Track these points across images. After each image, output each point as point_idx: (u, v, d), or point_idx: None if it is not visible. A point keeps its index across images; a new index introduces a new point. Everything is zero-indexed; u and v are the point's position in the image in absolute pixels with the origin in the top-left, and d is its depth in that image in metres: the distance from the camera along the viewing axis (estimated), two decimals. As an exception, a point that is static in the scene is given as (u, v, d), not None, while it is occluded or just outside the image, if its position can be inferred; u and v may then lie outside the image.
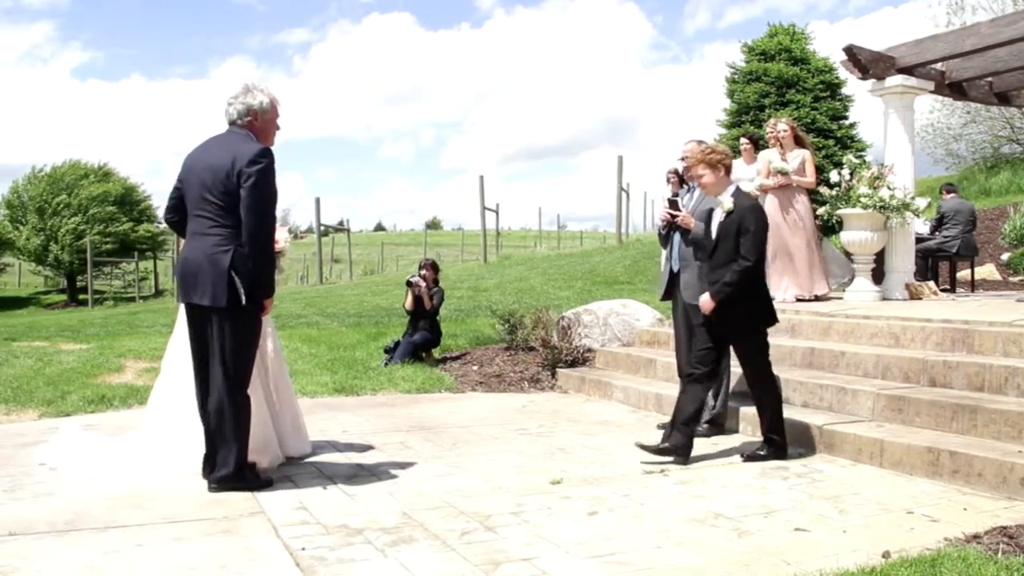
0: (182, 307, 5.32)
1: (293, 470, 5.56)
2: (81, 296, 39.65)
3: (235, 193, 4.93)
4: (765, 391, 5.95)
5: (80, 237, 40.75)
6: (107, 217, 42.51)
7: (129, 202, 44.77)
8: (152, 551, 4.01)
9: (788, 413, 6.32)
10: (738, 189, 5.97)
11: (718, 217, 5.91)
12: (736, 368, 6.96)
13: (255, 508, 4.69)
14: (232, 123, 5.17)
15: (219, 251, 4.90)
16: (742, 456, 5.86)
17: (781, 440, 5.84)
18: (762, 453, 5.80)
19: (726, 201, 5.86)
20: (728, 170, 5.98)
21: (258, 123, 5.18)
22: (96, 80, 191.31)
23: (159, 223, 46.66)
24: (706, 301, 5.87)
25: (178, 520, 4.47)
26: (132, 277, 43.64)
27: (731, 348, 6.31)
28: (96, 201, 42.77)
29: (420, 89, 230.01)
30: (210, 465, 5.09)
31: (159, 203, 44.55)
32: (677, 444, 5.74)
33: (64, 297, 42.26)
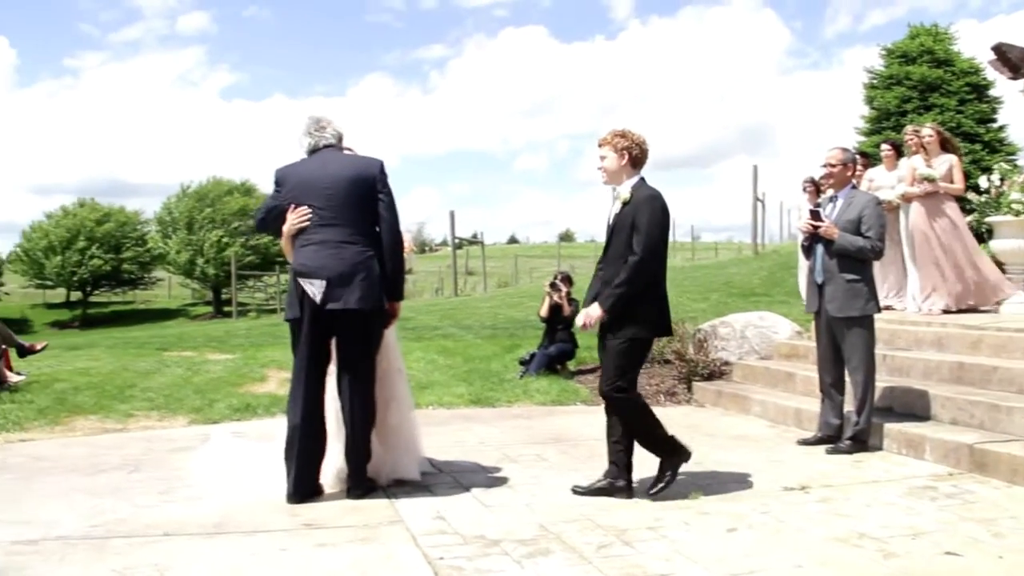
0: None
1: (431, 480, 5.65)
2: (226, 308, 41.34)
3: (372, 202, 5.18)
4: (628, 419, 5.36)
5: (223, 250, 42.59)
6: (249, 231, 44.33)
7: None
8: (295, 556, 4.17)
9: (934, 430, 6.11)
10: (640, 181, 5.29)
11: (614, 210, 5.31)
12: (881, 383, 6.77)
13: (394, 517, 4.80)
14: (330, 146, 5.40)
15: (366, 257, 5.11)
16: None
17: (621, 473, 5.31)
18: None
19: (624, 191, 5.25)
20: (635, 161, 5.28)
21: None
22: (242, 100, 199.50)
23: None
24: (592, 311, 5.22)
25: (320, 526, 4.62)
26: (274, 290, 45.20)
27: (857, 358, 6.18)
28: (238, 215, 44.67)
29: (555, 101, 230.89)
30: (353, 474, 5.25)
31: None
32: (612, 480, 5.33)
33: (210, 309, 44.24)
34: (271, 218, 5.39)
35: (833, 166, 6.61)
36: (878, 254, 6.47)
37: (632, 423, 5.32)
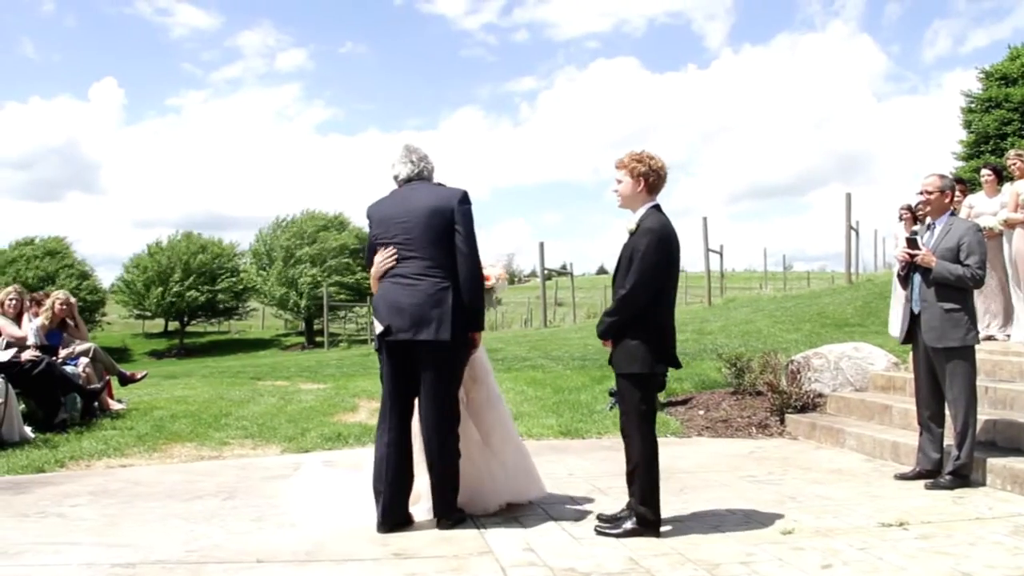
0: None
1: (520, 511, 5.64)
2: (318, 338, 42.07)
3: (451, 234, 5.21)
4: (637, 450, 5.17)
5: (317, 286, 43.43)
6: (341, 268, 45.23)
7: (362, 250, 47.49)
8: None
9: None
10: (651, 209, 5.15)
11: (625, 238, 5.19)
12: (984, 415, 6.56)
13: (483, 548, 4.79)
14: (419, 177, 5.46)
15: (439, 289, 5.15)
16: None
17: (652, 516, 5.08)
18: None
19: (633, 220, 5.14)
20: (651, 187, 5.16)
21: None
22: (336, 135, 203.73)
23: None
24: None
25: (410, 556, 4.64)
26: (365, 320, 45.87)
27: (957, 389, 6.00)
28: (333, 252, 45.61)
29: (647, 131, 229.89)
30: (439, 504, 5.27)
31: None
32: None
33: (302, 339, 45.07)
34: (369, 258, 5.51)
35: (930, 193, 6.46)
36: (978, 282, 6.28)
37: (636, 458, 5.17)
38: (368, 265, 5.52)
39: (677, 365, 5.23)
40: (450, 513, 5.23)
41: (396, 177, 5.51)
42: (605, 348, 5.31)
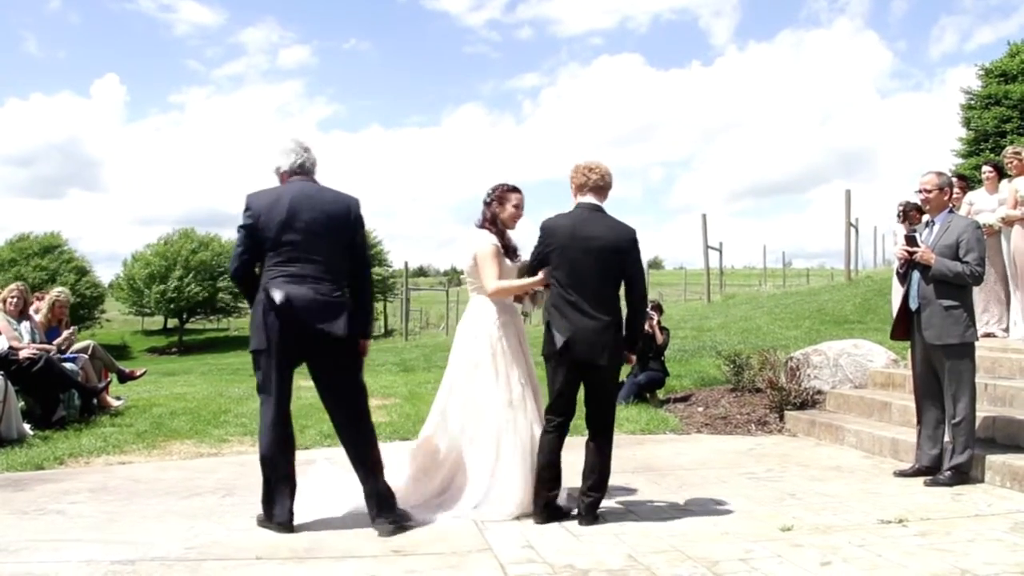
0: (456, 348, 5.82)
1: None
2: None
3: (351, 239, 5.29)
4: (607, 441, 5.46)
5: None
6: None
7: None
8: (387, 583, 4.19)
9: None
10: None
11: None
12: (983, 412, 6.56)
13: (482, 545, 4.79)
14: (305, 168, 5.43)
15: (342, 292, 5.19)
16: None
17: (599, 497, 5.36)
18: None
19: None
20: (578, 188, 5.49)
21: None
22: (339, 131, 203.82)
23: (388, 266, 49.17)
24: None
25: (409, 553, 4.64)
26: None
27: (956, 386, 6.02)
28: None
29: (650, 128, 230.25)
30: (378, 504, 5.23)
31: (389, 247, 46.47)
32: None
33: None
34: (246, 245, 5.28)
35: (928, 191, 6.46)
36: (978, 279, 6.28)
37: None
38: (244, 257, 5.24)
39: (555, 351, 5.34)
40: (389, 514, 5.15)
41: (280, 168, 5.42)
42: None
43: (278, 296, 5.00)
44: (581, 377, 5.36)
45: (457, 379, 5.74)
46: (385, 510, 5.12)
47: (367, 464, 5.26)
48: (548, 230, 5.41)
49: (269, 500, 5.15)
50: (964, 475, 6.18)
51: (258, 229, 5.13)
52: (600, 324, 5.22)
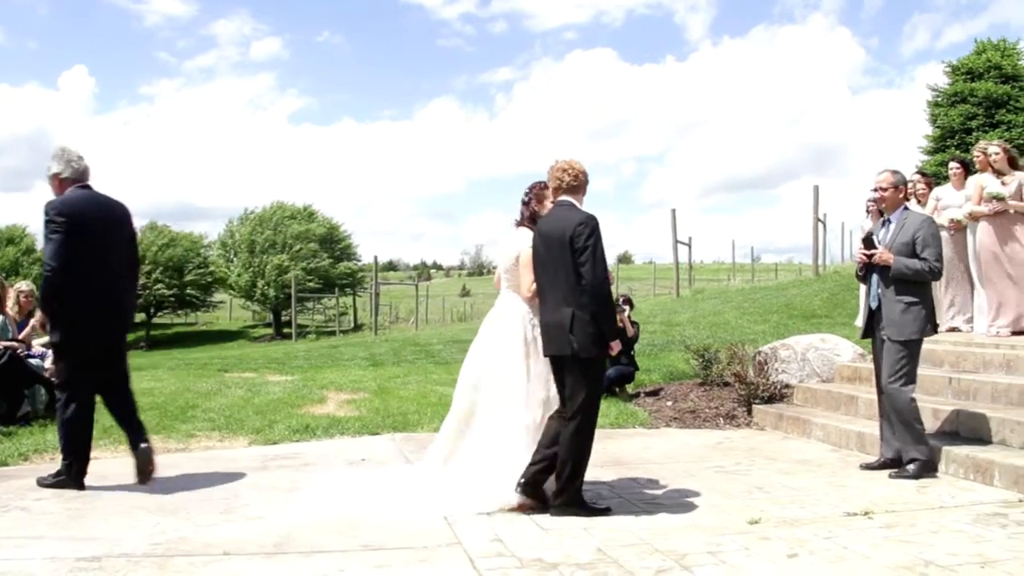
0: (481, 337, 5.91)
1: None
2: (285, 330, 41.85)
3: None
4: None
5: (284, 272, 43.11)
6: (310, 255, 44.92)
7: (331, 241, 47.24)
8: (354, 578, 4.17)
9: (1004, 455, 5.96)
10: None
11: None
12: (947, 406, 6.63)
13: (451, 539, 4.79)
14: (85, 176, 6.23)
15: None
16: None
17: None
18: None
19: None
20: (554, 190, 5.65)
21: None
22: (310, 125, 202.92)
23: (358, 260, 49.02)
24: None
25: (379, 548, 4.63)
26: (333, 312, 45.65)
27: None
28: (299, 239, 45.27)
29: (623, 123, 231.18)
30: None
31: (359, 242, 46.27)
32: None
33: (270, 331, 44.80)
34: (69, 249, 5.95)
35: (884, 189, 6.53)
36: (936, 275, 6.37)
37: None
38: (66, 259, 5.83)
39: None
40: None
41: (60, 175, 6.07)
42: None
43: (96, 298, 5.85)
44: (556, 369, 5.45)
45: (487, 375, 5.77)
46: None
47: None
48: (534, 232, 5.59)
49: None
50: (931, 469, 6.25)
51: (74, 234, 5.78)
52: (562, 317, 5.27)
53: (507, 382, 5.61)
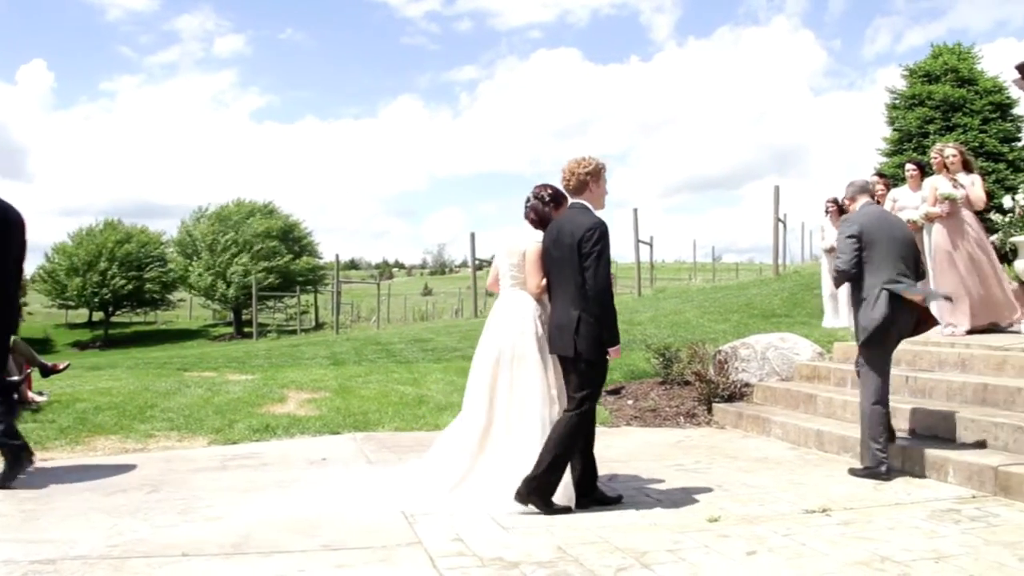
0: (481, 340, 5.97)
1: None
2: (246, 328, 41.49)
3: None
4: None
5: (246, 274, 42.77)
6: (270, 252, 44.58)
7: (291, 238, 46.90)
8: (315, 578, 4.15)
9: (958, 452, 6.05)
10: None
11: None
12: (904, 404, 6.72)
13: (413, 538, 4.78)
14: None
15: None
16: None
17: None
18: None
19: None
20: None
21: None
22: (272, 122, 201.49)
23: (319, 257, 48.77)
24: None
25: (339, 548, 4.61)
26: (293, 310, 45.36)
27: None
28: (260, 237, 44.92)
29: (588, 123, 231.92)
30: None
31: (320, 239, 45.91)
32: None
33: (231, 329, 44.38)
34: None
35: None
36: (836, 279, 6.77)
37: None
38: None
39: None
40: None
41: None
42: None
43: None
44: (564, 369, 5.60)
45: (500, 371, 5.76)
46: None
47: None
48: (545, 232, 5.72)
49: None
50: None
51: None
52: (569, 319, 5.41)
53: (529, 383, 5.66)
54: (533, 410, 5.57)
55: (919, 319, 6.46)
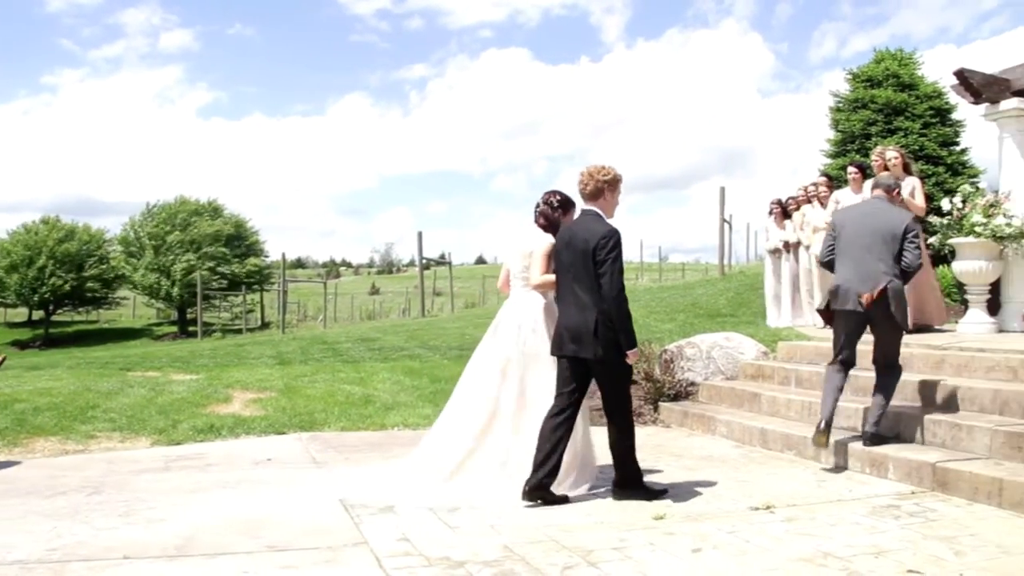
0: (489, 336, 6.16)
1: (396, 499, 5.62)
2: (191, 328, 40.95)
3: None
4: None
5: (191, 272, 42.18)
6: (217, 256, 44.01)
7: (238, 238, 46.33)
8: (260, 579, 4.11)
9: (897, 449, 6.16)
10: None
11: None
12: (848, 403, 6.83)
13: (359, 539, 4.76)
14: None
15: None
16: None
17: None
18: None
19: None
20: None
21: None
22: (219, 119, 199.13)
23: (266, 256, 48.29)
24: None
25: (285, 548, 4.57)
26: (239, 310, 44.87)
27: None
28: (208, 239, 44.31)
29: (537, 123, 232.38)
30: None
31: (267, 238, 45.46)
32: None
33: (175, 329, 43.70)
34: None
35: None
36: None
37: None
38: None
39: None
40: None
41: None
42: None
43: None
44: (566, 369, 5.70)
45: (510, 369, 5.92)
46: None
47: None
48: (557, 236, 5.86)
49: None
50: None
51: None
52: (587, 322, 5.52)
53: (543, 382, 5.85)
54: (544, 409, 5.70)
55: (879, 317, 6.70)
